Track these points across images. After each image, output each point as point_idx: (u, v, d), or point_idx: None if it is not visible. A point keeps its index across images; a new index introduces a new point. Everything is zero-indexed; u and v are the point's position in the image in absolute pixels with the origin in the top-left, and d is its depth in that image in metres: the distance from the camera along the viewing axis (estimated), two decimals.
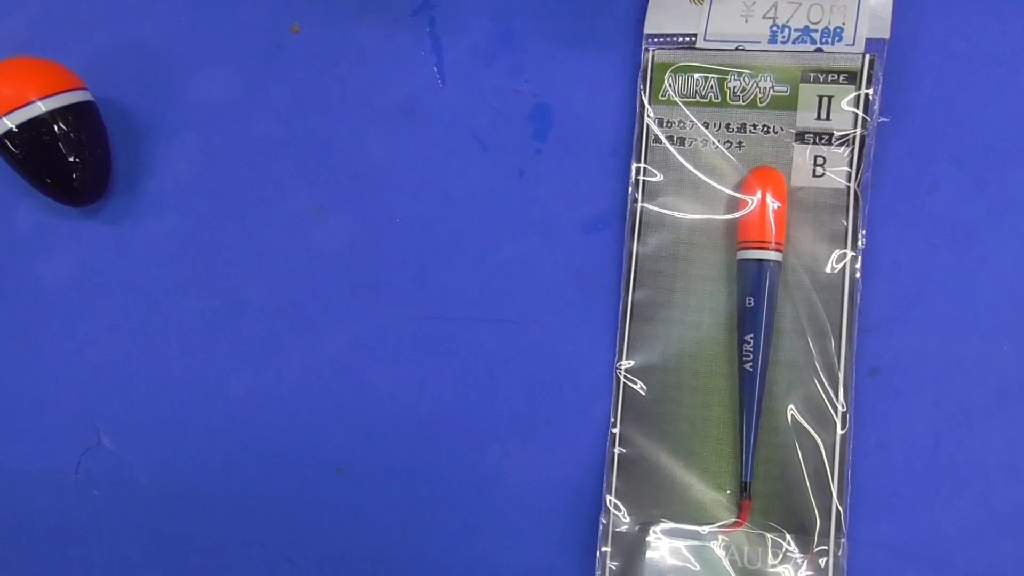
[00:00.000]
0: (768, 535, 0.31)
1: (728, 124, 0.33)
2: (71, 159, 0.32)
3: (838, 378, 0.31)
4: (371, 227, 0.35)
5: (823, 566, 0.31)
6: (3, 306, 0.36)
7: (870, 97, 0.32)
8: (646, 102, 0.33)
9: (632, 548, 0.32)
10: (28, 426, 0.35)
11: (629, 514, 0.32)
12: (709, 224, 0.33)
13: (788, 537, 0.31)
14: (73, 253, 0.36)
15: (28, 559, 0.35)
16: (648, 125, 0.33)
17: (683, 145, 0.33)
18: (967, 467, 0.31)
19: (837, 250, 0.32)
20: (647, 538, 0.32)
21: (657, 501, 0.32)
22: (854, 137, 0.32)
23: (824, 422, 0.31)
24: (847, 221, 0.32)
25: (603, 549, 0.32)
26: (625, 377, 0.33)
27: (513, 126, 0.35)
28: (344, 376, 0.34)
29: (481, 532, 0.33)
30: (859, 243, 0.32)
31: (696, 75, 0.33)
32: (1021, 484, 0.31)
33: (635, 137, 0.34)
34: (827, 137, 0.32)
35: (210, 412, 0.35)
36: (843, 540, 0.31)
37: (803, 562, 0.31)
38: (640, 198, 0.33)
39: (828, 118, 0.32)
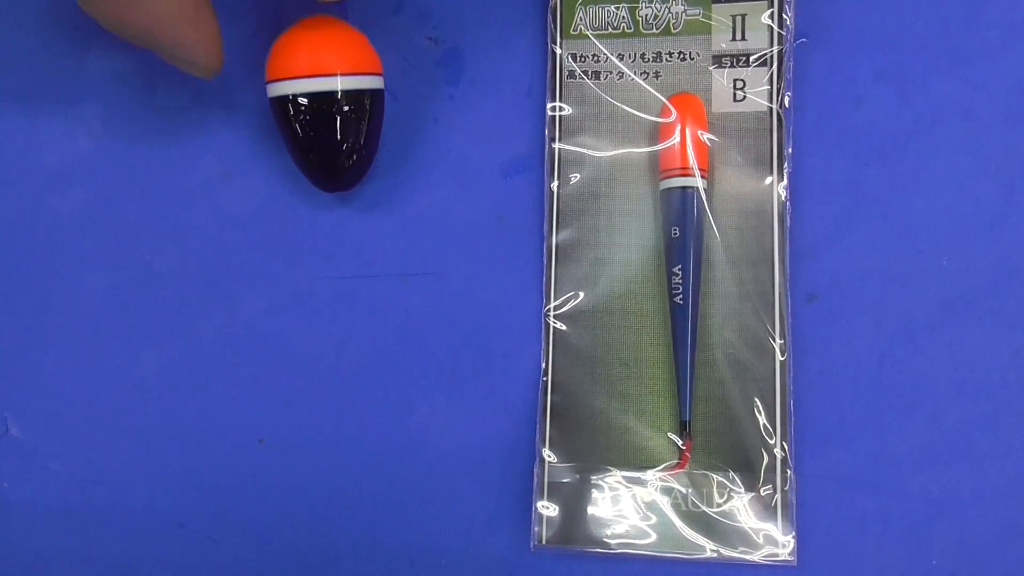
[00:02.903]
0: (712, 475, 0.30)
1: (643, 54, 0.32)
2: (347, 144, 0.30)
3: (774, 307, 0.30)
4: (280, 187, 0.33)
5: (771, 503, 0.29)
6: None
7: (785, 11, 0.31)
8: (557, 38, 0.32)
9: (571, 499, 0.30)
10: None
11: (566, 464, 0.30)
12: (630, 158, 0.32)
13: (733, 475, 0.30)
14: None
15: None
16: (561, 62, 0.32)
17: (598, 79, 0.32)
18: (914, 389, 0.30)
19: (764, 174, 0.31)
20: (586, 488, 0.30)
21: (595, 449, 0.30)
22: (772, 56, 0.31)
23: (762, 353, 0.30)
24: (772, 144, 0.31)
25: (540, 503, 0.30)
26: (554, 322, 0.31)
27: (423, 74, 0.33)
28: (261, 343, 0.33)
29: (413, 494, 0.31)
30: (786, 166, 0.31)
31: (607, 6, 0.32)
32: (971, 402, 0.30)
33: (548, 75, 0.32)
34: (744, 58, 0.31)
35: (123, 391, 0.33)
36: (790, 474, 0.29)
37: (750, 500, 0.29)
38: (557, 137, 0.32)
39: (744, 38, 0.31)
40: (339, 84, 0.30)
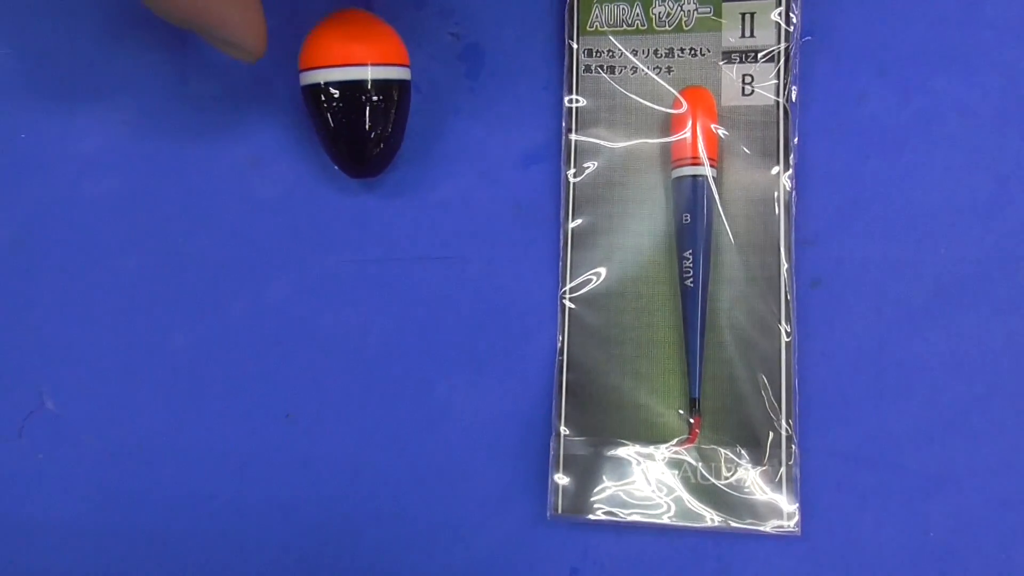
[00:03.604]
0: (720, 449, 0.31)
1: (656, 50, 0.33)
2: (376, 132, 0.32)
3: (780, 291, 0.32)
4: (308, 173, 0.35)
5: (776, 476, 0.31)
6: None
7: (791, 11, 0.32)
8: (575, 34, 0.34)
9: (585, 471, 0.31)
10: None
11: (581, 438, 0.32)
12: (643, 148, 0.33)
13: (740, 450, 0.31)
14: (11, 218, 0.35)
15: None
16: (577, 57, 0.34)
17: (613, 73, 0.33)
18: (912, 369, 0.32)
19: (771, 165, 0.32)
20: (600, 461, 0.31)
21: (608, 424, 0.32)
22: (779, 52, 0.32)
23: (769, 335, 0.32)
24: (779, 136, 0.32)
25: (556, 475, 0.32)
26: (570, 304, 0.33)
27: (446, 67, 0.35)
28: (288, 323, 0.34)
29: (433, 467, 0.33)
30: (791, 157, 0.32)
31: (622, 4, 0.34)
32: (964, 382, 0.31)
33: (565, 69, 0.34)
34: (753, 54, 0.33)
35: (154, 368, 0.34)
36: (794, 449, 0.31)
37: (756, 474, 0.31)
38: (573, 128, 0.33)
39: (752, 35, 0.33)
40: (369, 74, 0.31)
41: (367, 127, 0.32)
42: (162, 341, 0.35)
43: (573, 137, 0.33)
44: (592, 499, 0.31)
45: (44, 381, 0.35)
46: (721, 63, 0.33)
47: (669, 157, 0.33)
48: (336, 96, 0.31)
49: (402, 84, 0.32)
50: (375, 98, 0.31)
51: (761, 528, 0.31)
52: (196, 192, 0.35)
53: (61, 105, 0.36)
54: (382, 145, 0.32)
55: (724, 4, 0.33)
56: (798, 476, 0.31)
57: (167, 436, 0.34)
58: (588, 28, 0.34)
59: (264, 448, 0.34)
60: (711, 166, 0.32)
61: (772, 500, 0.31)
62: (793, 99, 0.32)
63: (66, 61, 0.36)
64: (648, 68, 0.33)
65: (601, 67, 0.34)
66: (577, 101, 0.33)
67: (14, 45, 0.36)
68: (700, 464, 0.31)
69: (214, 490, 0.34)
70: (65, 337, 0.35)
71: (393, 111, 0.32)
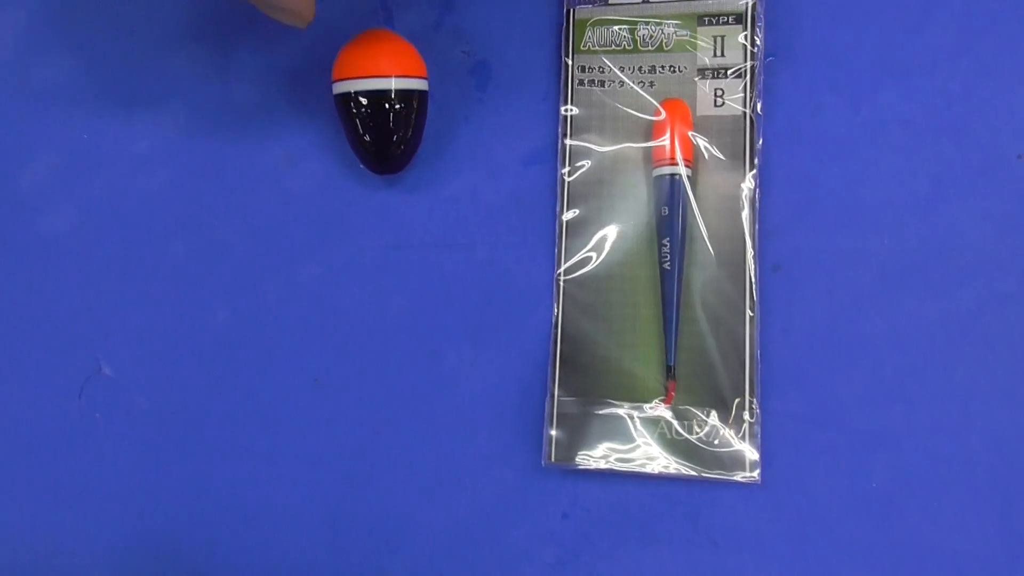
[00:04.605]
0: (693, 409, 0.36)
1: (640, 67, 0.38)
2: (398, 134, 0.37)
3: (745, 274, 0.36)
4: (337, 170, 0.40)
5: (741, 433, 0.35)
6: (7, 257, 0.40)
7: (756, 34, 0.37)
8: (570, 53, 0.39)
9: (575, 426, 0.36)
10: (33, 361, 0.39)
11: (572, 398, 0.36)
12: (628, 151, 0.38)
13: (710, 411, 0.36)
14: (75, 208, 0.40)
15: (38, 475, 0.39)
16: (572, 72, 0.39)
17: (603, 87, 0.39)
18: (859, 344, 0.36)
19: (738, 166, 0.37)
20: (588, 417, 0.36)
21: (596, 387, 0.36)
22: (746, 70, 0.37)
23: (735, 312, 0.36)
24: (745, 142, 0.37)
25: (550, 431, 0.36)
26: (564, 284, 0.37)
27: (458, 81, 0.40)
28: (317, 300, 0.39)
29: (443, 426, 0.37)
30: (756, 160, 0.37)
31: (612, 27, 0.39)
32: (904, 355, 0.36)
33: (561, 83, 0.39)
34: (724, 71, 0.38)
35: (199, 339, 0.39)
36: (757, 410, 0.36)
37: (723, 432, 0.36)
38: (568, 134, 0.38)
39: (723, 55, 0.38)
40: (393, 85, 0.36)
41: (390, 130, 0.37)
42: (206, 316, 0.39)
43: (568, 141, 0.38)
44: (582, 451, 0.36)
45: (101, 350, 0.39)
46: (696, 79, 0.38)
47: (650, 159, 0.38)
48: (364, 103, 0.36)
49: (421, 94, 0.37)
50: (397, 106, 0.36)
51: (727, 477, 0.35)
52: (238, 186, 0.40)
53: (119, 110, 0.41)
54: (403, 146, 0.37)
55: (699, 28, 0.38)
56: (759, 433, 0.35)
57: (210, 399, 0.39)
58: (582, 48, 0.39)
59: (296, 409, 0.38)
60: (687, 167, 0.37)
61: (737, 453, 0.35)
62: (758, 110, 0.37)
63: (124, 71, 0.41)
64: (633, 82, 0.38)
65: (592, 81, 0.39)
66: (571, 110, 0.39)
67: (79, 57, 0.41)
68: (675, 422, 0.36)
69: (251, 445, 0.38)
70: (121, 312, 0.40)
71: (413, 117, 0.37)
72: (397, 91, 0.36)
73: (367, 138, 0.37)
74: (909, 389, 0.36)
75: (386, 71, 0.36)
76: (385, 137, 0.37)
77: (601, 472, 0.36)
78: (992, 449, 0.35)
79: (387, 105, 0.36)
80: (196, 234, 0.40)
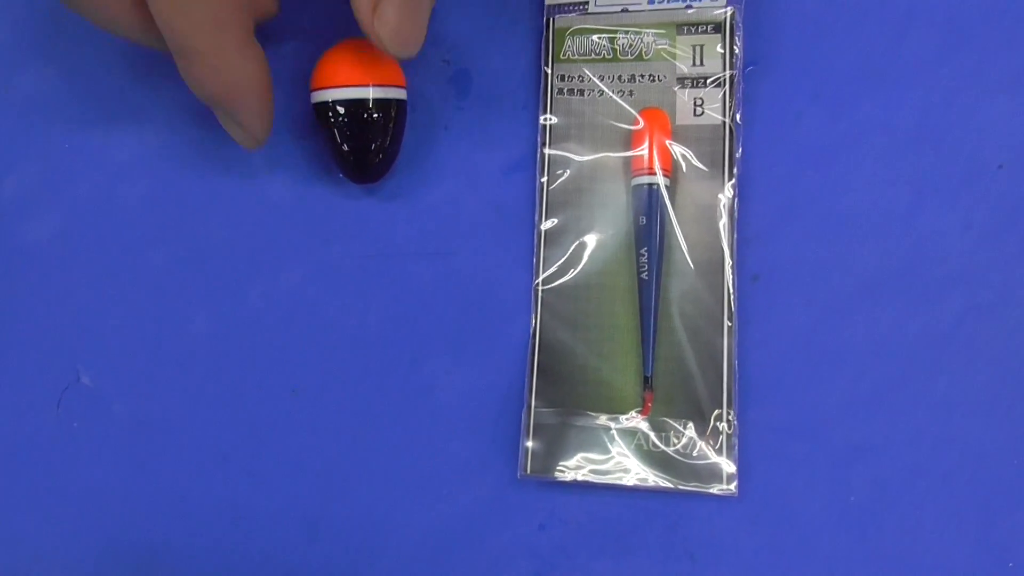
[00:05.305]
0: (670, 421, 0.36)
1: (620, 76, 0.38)
2: (376, 143, 0.37)
3: (723, 284, 0.36)
4: (316, 179, 0.40)
5: (718, 445, 0.35)
6: None
7: (735, 44, 0.37)
8: (550, 62, 0.39)
9: (552, 438, 0.36)
10: (12, 370, 0.39)
11: (549, 409, 0.36)
12: (607, 160, 0.38)
13: (687, 422, 0.36)
14: (56, 216, 0.40)
15: (16, 485, 0.39)
16: (551, 81, 0.39)
17: (583, 96, 0.39)
18: (837, 355, 0.36)
19: (717, 175, 0.37)
20: (565, 429, 0.36)
21: (573, 398, 0.36)
22: (725, 79, 0.37)
23: (713, 322, 0.36)
24: (724, 151, 0.37)
25: (527, 443, 0.36)
26: (542, 293, 0.37)
27: (438, 89, 0.40)
28: (296, 309, 0.39)
29: (421, 436, 0.37)
30: (735, 169, 0.37)
31: (591, 36, 0.39)
32: (883, 365, 0.36)
33: (541, 92, 0.39)
34: (703, 80, 0.38)
35: (178, 349, 0.39)
36: (734, 422, 0.35)
37: (701, 443, 0.35)
38: (547, 143, 0.38)
39: (702, 64, 0.38)
40: (371, 94, 0.36)
41: (368, 140, 0.37)
42: (185, 324, 0.39)
43: (547, 150, 0.38)
44: (558, 462, 0.36)
45: (80, 359, 0.39)
46: (675, 88, 0.38)
47: (629, 168, 0.38)
48: (342, 112, 0.36)
49: (399, 103, 0.37)
50: (375, 115, 0.36)
51: (704, 490, 0.35)
52: (217, 195, 0.40)
53: (100, 119, 0.41)
54: (381, 155, 0.37)
55: (678, 37, 0.38)
56: (737, 445, 0.35)
57: (188, 408, 0.39)
58: (561, 57, 0.39)
59: (274, 418, 0.38)
60: (665, 176, 0.37)
61: (714, 465, 0.35)
62: (738, 119, 0.37)
63: (104, 82, 0.41)
64: (612, 92, 0.38)
65: (572, 90, 0.39)
66: (551, 119, 0.38)
67: (61, 66, 0.41)
68: (652, 433, 0.36)
69: (229, 454, 0.38)
70: (99, 321, 0.40)
71: (391, 126, 0.37)
72: (375, 100, 0.36)
73: (345, 147, 0.37)
74: (888, 401, 0.36)
75: (364, 80, 0.36)
76: (363, 146, 0.37)
77: (578, 484, 0.36)
78: (972, 462, 0.35)
79: (365, 115, 0.36)
80: (176, 243, 0.40)
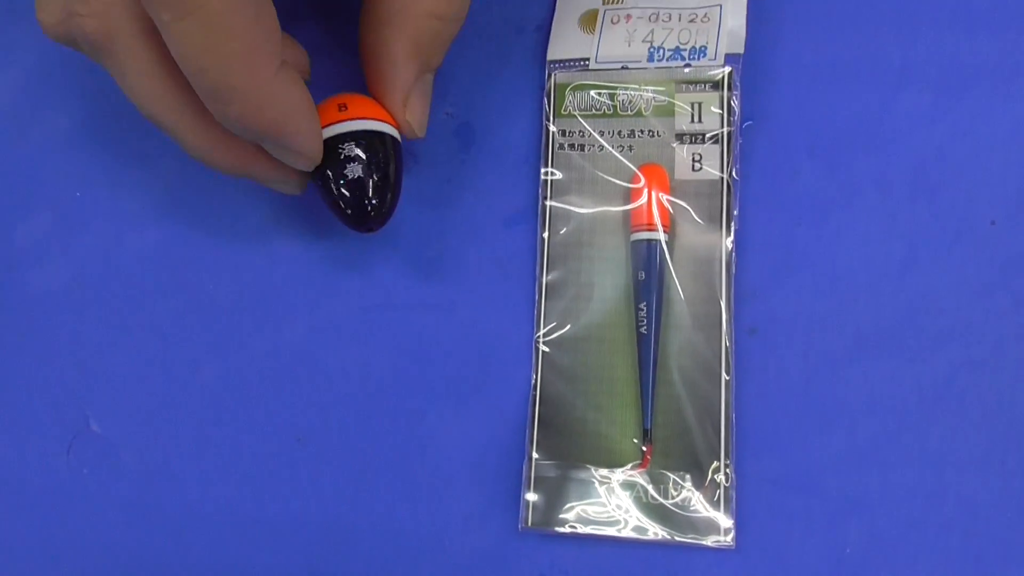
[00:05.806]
0: (669, 473, 0.36)
1: (619, 131, 0.39)
2: (372, 179, 0.36)
3: (721, 338, 0.37)
4: (323, 232, 0.40)
5: (715, 497, 0.36)
6: (1, 314, 0.41)
7: (732, 101, 0.38)
8: (551, 117, 0.40)
9: (553, 490, 0.37)
10: (24, 417, 0.40)
11: (550, 461, 0.37)
12: (607, 215, 0.39)
13: (685, 474, 0.36)
14: (66, 265, 0.41)
15: (26, 529, 0.39)
16: (553, 136, 0.39)
17: (583, 151, 0.39)
18: (833, 408, 0.37)
19: (715, 230, 0.38)
20: (565, 482, 0.37)
21: (573, 450, 0.37)
22: (723, 135, 0.38)
23: (711, 376, 0.37)
24: (722, 206, 0.38)
25: (527, 495, 0.37)
26: (543, 346, 0.38)
27: (441, 142, 0.41)
28: (301, 359, 0.39)
29: (422, 487, 0.38)
30: (733, 224, 0.38)
31: (591, 92, 0.39)
32: (878, 420, 0.36)
33: (543, 146, 0.40)
34: (701, 137, 0.38)
35: (185, 397, 0.40)
36: (732, 474, 0.36)
37: (699, 495, 0.36)
38: (548, 196, 0.39)
39: (700, 121, 0.38)
40: (359, 126, 0.35)
41: (363, 175, 0.36)
42: (192, 373, 0.40)
43: (548, 203, 0.39)
44: (558, 515, 0.36)
45: (90, 407, 0.40)
46: (674, 144, 0.39)
47: (629, 223, 0.38)
48: (331, 148, 0.35)
49: (392, 139, 0.36)
50: (366, 147, 0.35)
51: (702, 542, 0.36)
52: (224, 246, 0.41)
53: (110, 168, 0.42)
54: (378, 196, 0.36)
55: (677, 94, 0.39)
56: (734, 498, 0.36)
57: (195, 455, 0.39)
58: (563, 112, 0.39)
59: (277, 467, 0.39)
60: (664, 231, 0.37)
61: (712, 518, 0.36)
62: (735, 175, 0.38)
63: (115, 129, 0.42)
64: (612, 147, 0.39)
65: (573, 145, 0.39)
66: (552, 174, 0.39)
67: (72, 116, 0.42)
68: (651, 486, 0.36)
69: (234, 502, 0.39)
70: (109, 369, 0.40)
71: (380, 156, 0.36)
72: (365, 131, 0.36)
73: (341, 185, 0.36)
74: (884, 454, 0.36)
75: (353, 115, 0.36)
76: (360, 184, 0.36)
77: (578, 535, 0.36)
78: (966, 515, 0.35)
79: (355, 145, 0.35)
80: (184, 293, 0.41)
